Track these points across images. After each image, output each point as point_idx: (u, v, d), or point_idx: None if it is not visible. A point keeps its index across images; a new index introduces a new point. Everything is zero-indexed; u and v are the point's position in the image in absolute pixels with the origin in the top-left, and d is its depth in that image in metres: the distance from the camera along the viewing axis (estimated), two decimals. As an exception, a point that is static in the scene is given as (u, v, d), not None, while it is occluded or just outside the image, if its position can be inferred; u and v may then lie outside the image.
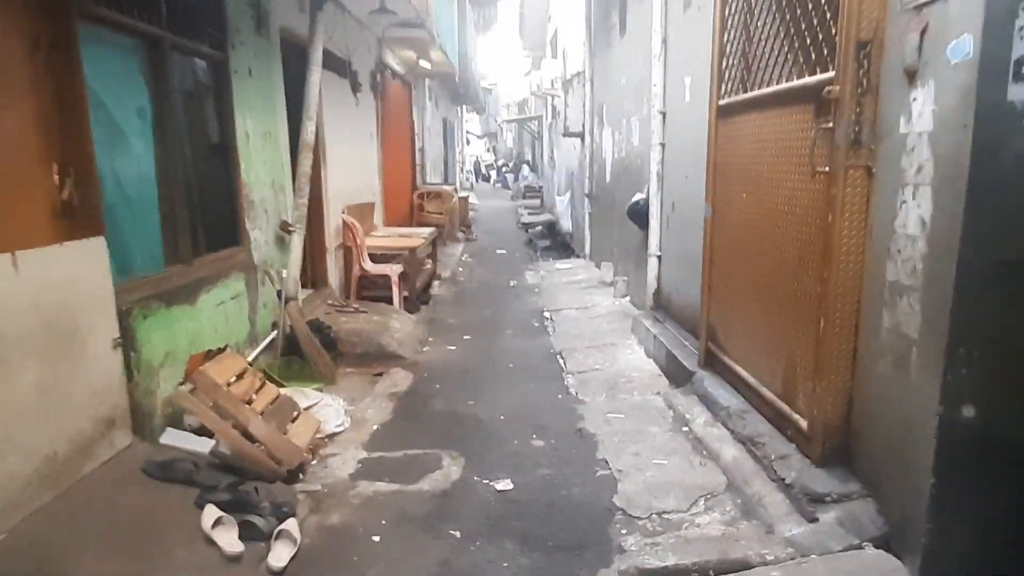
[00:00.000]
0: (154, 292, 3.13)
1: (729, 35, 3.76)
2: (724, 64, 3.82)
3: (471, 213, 17.96)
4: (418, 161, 11.83)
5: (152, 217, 3.35)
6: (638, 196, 6.06)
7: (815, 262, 2.75)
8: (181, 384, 3.24)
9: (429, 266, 8.20)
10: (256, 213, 4.41)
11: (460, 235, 12.30)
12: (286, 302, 4.56)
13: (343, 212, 6.68)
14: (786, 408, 3.03)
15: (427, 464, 3.34)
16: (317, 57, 4.74)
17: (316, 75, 4.73)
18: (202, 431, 3.16)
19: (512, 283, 8.51)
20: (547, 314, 6.87)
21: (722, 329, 3.91)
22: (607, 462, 3.27)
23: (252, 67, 4.37)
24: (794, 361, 2.97)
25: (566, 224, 12.65)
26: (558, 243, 15.24)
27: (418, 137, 11.83)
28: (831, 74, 2.59)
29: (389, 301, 6.46)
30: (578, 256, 10.73)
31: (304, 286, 6.26)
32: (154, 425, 3.09)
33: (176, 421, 3.21)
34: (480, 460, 3.38)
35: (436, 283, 8.21)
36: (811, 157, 2.68)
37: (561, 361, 5.24)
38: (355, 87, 7.15)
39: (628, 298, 7.01)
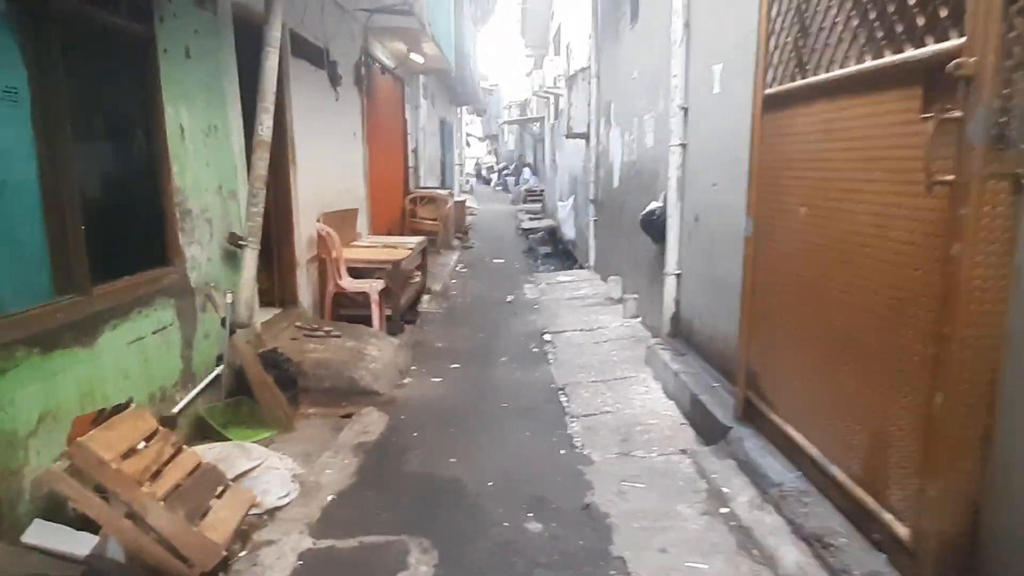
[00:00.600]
0: (22, 336, 2.34)
1: (779, 6, 2.97)
2: (772, 44, 3.04)
3: (469, 218, 17.20)
4: (411, 163, 11.05)
5: (31, 234, 2.56)
6: (653, 205, 5.27)
7: (925, 309, 1.96)
8: (61, 457, 2.45)
9: (417, 279, 7.41)
10: (195, 224, 3.63)
11: (456, 242, 11.52)
12: (232, 331, 3.77)
13: (318, 220, 5.90)
14: (871, 502, 2.23)
15: (388, 561, 2.55)
16: (275, 36, 3.96)
17: (273, 58, 3.94)
18: (88, 522, 2.37)
19: (509, 298, 7.72)
20: (547, 337, 6.08)
21: (767, 377, 3.12)
22: (625, 563, 2.47)
23: (191, 47, 3.59)
24: (885, 440, 2.18)
25: (568, 231, 11.87)
26: (559, 251, 14.47)
27: (411, 137, 11.06)
28: (959, 41, 1.80)
29: (369, 321, 5.68)
30: (581, 267, 9.94)
31: (271, 304, 5.50)
32: (17, 516, 2.30)
33: (56, 508, 2.42)
34: (459, 555, 2.59)
35: (425, 298, 7.43)
36: (925, 161, 1.89)
37: (564, 399, 4.45)
38: (334, 79, 6.37)
39: (640, 320, 6.22)
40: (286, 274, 5.46)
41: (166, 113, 3.35)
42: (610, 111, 7.86)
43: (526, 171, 25.70)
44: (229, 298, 3.73)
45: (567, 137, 10.07)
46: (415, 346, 5.76)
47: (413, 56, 9.12)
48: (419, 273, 7.62)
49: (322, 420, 4.05)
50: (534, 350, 5.71)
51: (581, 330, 6.20)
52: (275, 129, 5.20)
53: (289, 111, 5.24)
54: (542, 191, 21.91)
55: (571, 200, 11.84)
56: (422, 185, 11.69)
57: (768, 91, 3.04)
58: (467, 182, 29.42)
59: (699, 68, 4.49)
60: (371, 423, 4.02)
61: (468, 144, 37.36)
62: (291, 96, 5.26)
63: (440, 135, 15.73)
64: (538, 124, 25.31)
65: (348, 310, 6.01)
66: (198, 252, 3.65)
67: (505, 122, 29.70)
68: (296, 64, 5.37)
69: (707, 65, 4.28)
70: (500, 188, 31.43)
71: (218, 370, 3.76)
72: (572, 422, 4.05)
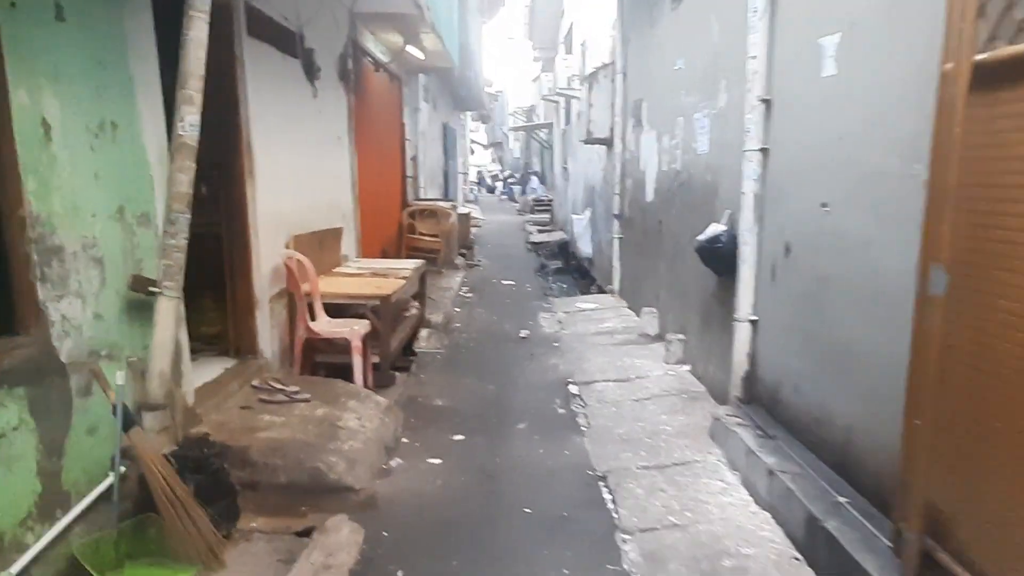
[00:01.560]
0: None
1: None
2: (982, -20, 1.84)
3: (474, 230, 16.02)
4: (409, 172, 9.88)
5: None
6: (716, 228, 4.05)
7: None
8: None
9: (414, 312, 6.22)
10: (69, 269, 2.43)
11: (460, 261, 10.32)
12: (130, 423, 2.56)
13: (286, 246, 4.70)
14: None
15: None
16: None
17: (199, 28, 2.74)
18: None
19: (523, 333, 6.50)
20: (574, 389, 4.87)
21: (971, 523, 1.90)
22: None
23: (64, 5, 2.41)
24: None
25: (584, 247, 10.67)
26: (573, 267, 13.28)
27: (409, 143, 9.89)
28: None
29: (350, 372, 4.48)
30: (602, 290, 8.74)
31: (225, 354, 4.31)
32: None
33: None
34: None
35: (423, 334, 6.22)
36: None
37: (608, 497, 3.24)
38: (311, 71, 5.20)
39: (689, 368, 5.00)
40: (242, 317, 4.26)
41: (12, 102, 2.16)
42: (641, 112, 6.67)
43: (533, 180, 24.56)
44: (121, 378, 2.52)
45: (585, 143, 8.89)
46: (408, 404, 4.55)
47: (410, 50, 7.96)
48: (416, 304, 6.42)
49: (268, 543, 2.84)
50: (559, 410, 4.50)
51: (616, 380, 4.98)
52: (225, 131, 4.04)
53: (244, 107, 4.05)
54: (550, 201, 20.75)
55: (587, 213, 10.65)
56: (422, 197, 10.51)
57: (980, 57, 1.83)
58: (471, 191, 28.30)
59: (793, 44, 3.29)
60: (339, 547, 2.80)
61: (472, 151, 36.31)
62: (248, 88, 4.07)
63: (443, 141, 14.58)
64: (546, 130, 24.19)
65: (326, 356, 4.81)
66: (75, 309, 2.46)
67: (511, 128, 28.56)
68: (255, 47, 4.19)
69: (809, 39, 3.08)
70: (505, 197, 30.31)
71: (110, 480, 2.56)
72: (625, 543, 2.83)
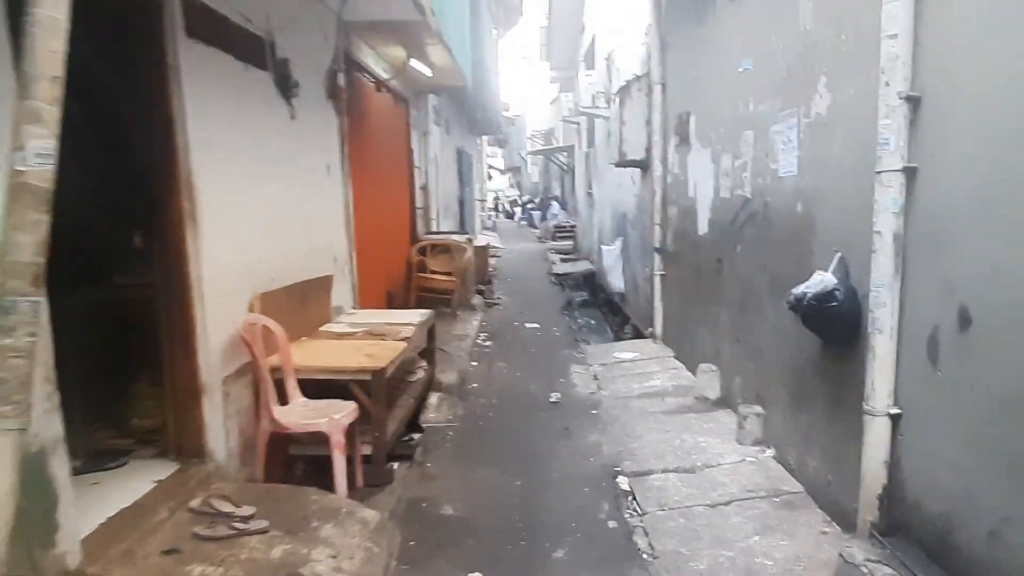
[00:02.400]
0: None
1: None
2: None
3: (493, 260, 14.99)
4: (419, 203, 8.88)
5: None
6: (824, 280, 2.92)
7: None
8: None
9: (421, 375, 5.14)
10: None
11: (477, 300, 9.24)
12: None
13: (250, 308, 3.66)
14: None
15: None
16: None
17: (55, 3, 1.75)
18: None
19: (554, 397, 5.38)
20: (625, 484, 3.73)
21: None
22: None
23: None
24: None
25: (616, 282, 9.55)
26: (601, 300, 12.16)
27: (419, 171, 8.91)
28: None
29: (328, 478, 3.40)
30: (641, 333, 7.60)
31: (164, 455, 3.26)
32: None
33: None
34: None
35: (433, 400, 5.13)
36: None
37: None
38: (287, 88, 4.21)
39: (773, 454, 3.85)
40: (184, 406, 3.20)
41: None
42: (687, 128, 5.60)
43: (554, 205, 23.58)
44: None
45: (616, 165, 7.83)
46: (408, 515, 3.45)
47: (416, 65, 6.99)
48: (424, 363, 5.35)
49: None
50: (609, 523, 3.36)
51: (679, 470, 3.83)
52: (155, 164, 3.05)
53: (182, 132, 3.03)
54: (572, 227, 19.71)
55: (618, 243, 9.55)
56: (434, 230, 9.50)
57: None
58: (489, 218, 27.40)
59: (964, 11, 2.20)
60: None
61: (490, 177, 35.54)
62: (187, 107, 3.06)
63: (457, 168, 13.64)
64: (565, 154, 23.25)
65: (303, 448, 3.75)
66: None
67: (529, 152, 27.71)
68: (199, 53, 3.19)
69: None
70: (525, 223, 29.36)
71: None
72: None
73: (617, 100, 7.53)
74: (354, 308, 5.63)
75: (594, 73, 10.70)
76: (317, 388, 3.74)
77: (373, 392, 3.71)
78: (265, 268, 3.87)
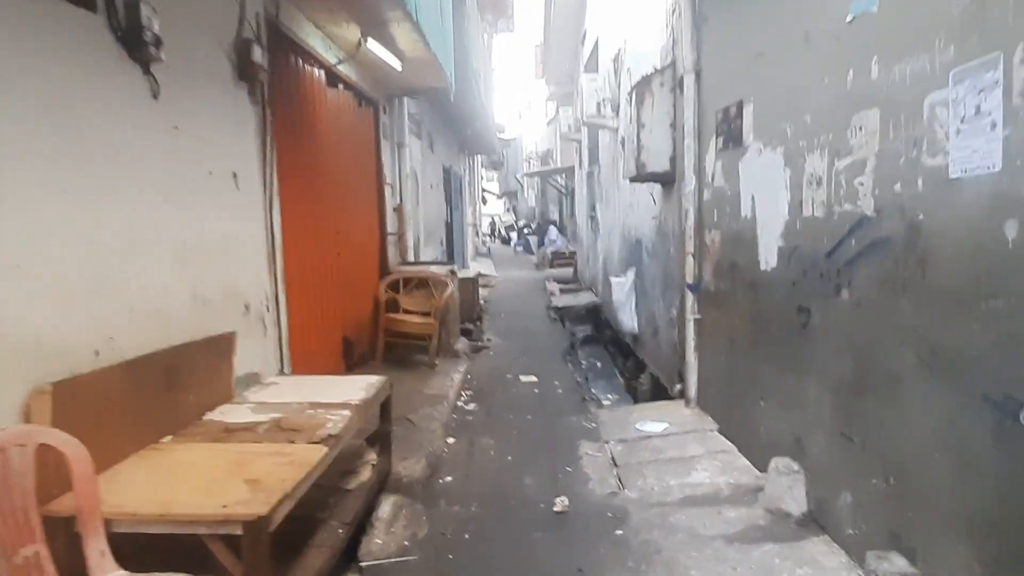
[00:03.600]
0: None
1: None
2: None
3: (485, 291, 13.44)
4: (391, 228, 7.34)
5: None
6: None
7: None
8: None
9: (368, 471, 3.54)
10: None
11: (462, 344, 7.65)
12: None
13: (27, 410, 2.08)
14: None
15: None
16: None
17: None
18: None
19: (559, 504, 3.74)
20: None
21: None
22: None
23: None
24: None
25: (627, 320, 7.99)
26: (607, 337, 10.59)
27: (391, 189, 7.39)
28: None
29: None
30: (665, 390, 6.01)
31: None
32: None
33: None
34: None
35: (385, 510, 3.51)
36: None
37: None
38: (135, 46, 2.68)
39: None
40: None
41: None
42: (741, 123, 4.09)
43: (552, 230, 22.09)
44: None
45: (632, 180, 6.31)
46: None
47: (378, 51, 5.49)
48: (375, 452, 3.75)
49: None
50: None
51: None
52: None
53: None
54: (572, 253, 18.23)
55: (630, 275, 8.01)
56: (412, 260, 7.94)
57: None
58: (484, 243, 25.92)
59: None
60: None
61: (485, 201, 34.16)
62: None
63: (445, 188, 12.16)
64: (564, 175, 21.87)
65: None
66: None
67: (525, 174, 26.34)
68: None
69: None
70: (521, 249, 27.90)
71: None
72: None
73: (632, 101, 6.04)
74: (282, 373, 4.05)
75: (599, 78, 9.26)
76: (160, 546, 2.15)
77: (247, 556, 2.11)
78: (77, 335, 2.30)
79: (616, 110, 8.90)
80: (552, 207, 27.68)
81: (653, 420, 5.02)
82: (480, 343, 8.23)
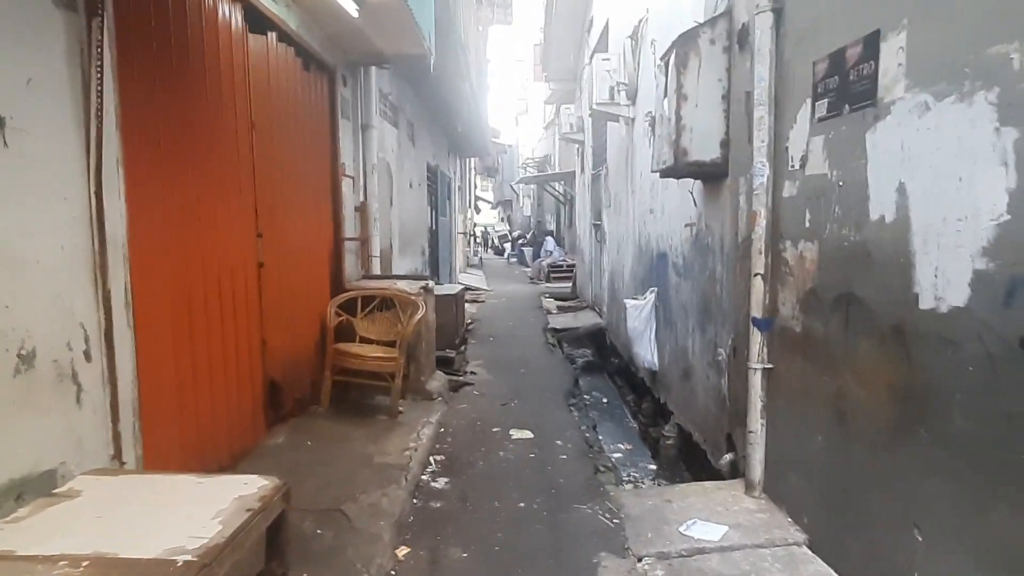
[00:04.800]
0: None
1: None
2: None
3: (473, 308, 11.85)
4: (350, 232, 5.75)
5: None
6: None
7: None
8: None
9: None
10: None
11: (437, 383, 6.01)
12: None
13: None
14: None
15: None
16: None
17: None
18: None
19: None
20: None
21: None
22: None
23: None
24: None
25: (644, 353, 6.42)
26: (614, 367, 9.02)
27: (352, 183, 5.81)
28: None
29: None
30: (712, 463, 4.43)
31: None
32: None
33: None
34: None
35: None
36: None
37: None
38: None
39: None
40: None
41: None
42: (876, 69, 2.52)
43: (548, 241, 20.54)
44: None
45: (664, 175, 4.73)
46: None
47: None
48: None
49: None
50: None
51: None
52: None
53: None
54: (571, 266, 16.69)
55: (650, 298, 6.44)
56: (380, 273, 6.33)
57: None
58: (475, 254, 24.36)
59: None
60: None
61: (479, 210, 32.64)
62: None
63: (430, 190, 10.59)
64: (563, 183, 20.37)
65: None
66: None
67: (521, 180, 24.83)
68: None
69: None
70: (515, 260, 26.36)
71: None
72: None
73: (668, 68, 4.47)
74: (119, 461, 2.44)
75: (612, 58, 7.73)
76: None
77: None
78: None
79: (633, 97, 7.37)
80: (549, 217, 26.18)
81: (704, 518, 3.42)
82: (461, 378, 6.61)
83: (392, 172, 7.44)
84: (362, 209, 6.02)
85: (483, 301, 13.34)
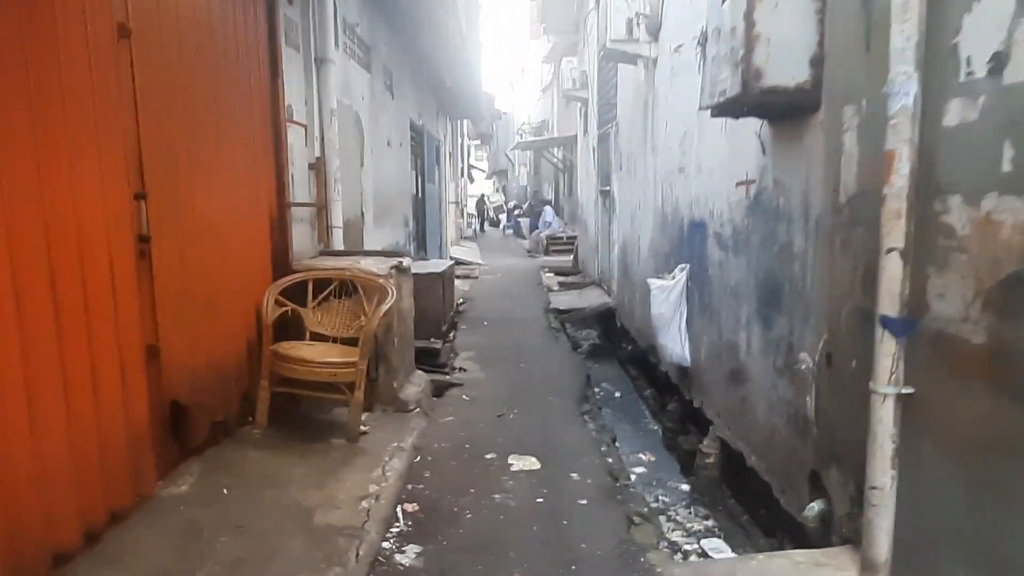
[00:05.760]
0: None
1: None
2: None
3: (465, 285, 10.60)
4: (301, 195, 4.45)
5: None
6: None
7: None
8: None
9: None
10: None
11: (417, 386, 4.75)
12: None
13: None
14: None
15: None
16: None
17: None
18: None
19: None
20: None
21: None
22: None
23: None
24: None
25: (673, 346, 5.21)
26: (627, 354, 7.84)
27: (303, 129, 4.48)
28: None
29: None
30: (782, 506, 3.23)
31: None
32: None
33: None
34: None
35: None
36: None
37: None
38: None
39: None
40: None
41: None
42: None
43: (547, 211, 19.20)
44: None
45: (721, 111, 3.44)
46: None
47: None
48: None
49: None
50: None
51: None
52: None
53: None
54: (571, 238, 15.42)
55: (680, 277, 5.20)
56: (343, 249, 5.02)
57: None
58: (470, 226, 23.03)
59: None
60: None
61: (472, 179, 31.18)
62: None
63: (415, 152, 9.24)
64: (559, 149, 18.98)
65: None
66: None
67: (517, 146, 23.37)
68: None
69: None
70: (511, 231, 25.04)
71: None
72: None
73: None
74: None
75: (631, -14, 6.36)
76: None
77: None
78: None
79: (655, 32, 6.04)
80: (546, 186, 24.79)
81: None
82: (447, 377, 5.37)
83: (363, 125, 6.11)
84: (318, 167, 4.71)
85: (477, 277, 12.09)
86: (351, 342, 3.85)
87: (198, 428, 3.21)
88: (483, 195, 32.29)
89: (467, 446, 3.91)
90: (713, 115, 3.54)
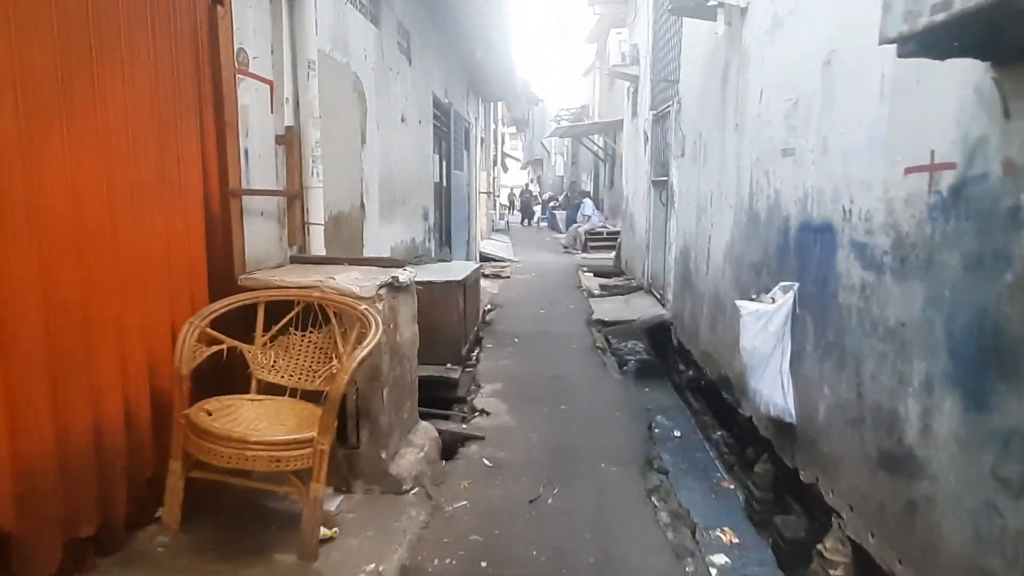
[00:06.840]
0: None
1: None
2: None
3: (495, 287, 9.29)
4: (251, 180, 3.13)
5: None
6: None
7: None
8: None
9: None
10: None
11: (417, 452, 3.41)
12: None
13: None
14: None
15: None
16: None
17: None
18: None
19: None
20: None
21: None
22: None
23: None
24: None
25: (773, 392, 3.76)
26: (685, 381, 6.44)
27: (267, 86, 3.17)
28: None
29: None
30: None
31: None
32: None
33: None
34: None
35: None
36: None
37: None
38: None
39: None
40: None
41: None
42: None
43: (586, 204, 17.70)
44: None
45: (916, 51, 2.05)
46: None
47: None
48: None
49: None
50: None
51: None
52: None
53: None
54: (613, 234, 13.97)
55: (785, 300, 3.76)
56: (318, 255, 3.70)
57: None
58: (502, 217, 21.68)
59: None
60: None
61: (506, 168, 29.78)
62: None
63: (437, 132, 7.90)
64: (601, 137, 17.46)
65: None
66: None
67: (554, 133, 21.88)
68: None
69: None
70: (545, 224, 23.60)
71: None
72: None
73: None
74: None
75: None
76: None
77: None
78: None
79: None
80: (585, 176, 23.27)
81: None
82: (464, 427, 4.03)
83: (366, 92, 4.79)
84: (290, 141, 3.39)
85: (508, 277, 10.75)
86: (318, 395, 2.54)
87: (36, 559, 1.94)
88: (527, 185, 30.84)
89: (484, 565, 2.56)
90: (904, 53, 2.10)
